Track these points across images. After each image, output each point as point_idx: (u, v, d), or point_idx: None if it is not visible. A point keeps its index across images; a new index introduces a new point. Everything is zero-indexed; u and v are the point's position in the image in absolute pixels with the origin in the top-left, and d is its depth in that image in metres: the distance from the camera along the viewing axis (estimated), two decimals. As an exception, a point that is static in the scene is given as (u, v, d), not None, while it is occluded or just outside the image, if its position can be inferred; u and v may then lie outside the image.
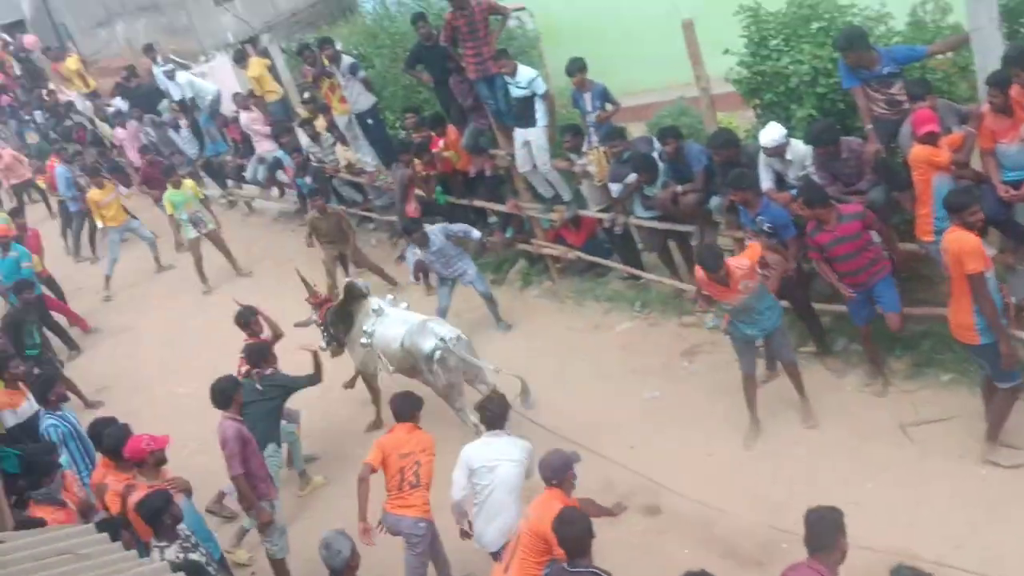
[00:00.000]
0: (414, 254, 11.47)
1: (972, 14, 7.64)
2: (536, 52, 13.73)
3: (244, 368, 9.41)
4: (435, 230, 11.12)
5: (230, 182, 18.07)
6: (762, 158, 8.76)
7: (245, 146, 16.72)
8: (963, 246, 6.67)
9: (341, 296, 10.23)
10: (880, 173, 8.22)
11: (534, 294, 12.33)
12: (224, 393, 7.97)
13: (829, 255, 7.99)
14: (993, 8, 7.52)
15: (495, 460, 6.89)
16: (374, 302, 9.99)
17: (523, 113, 11.11)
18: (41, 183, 19.07)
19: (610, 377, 10.07)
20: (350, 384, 10.60)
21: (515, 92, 10.99)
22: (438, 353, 9.12)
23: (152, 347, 13.90)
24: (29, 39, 27.47)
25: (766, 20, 8.92)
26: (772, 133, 8.47)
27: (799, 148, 8.57)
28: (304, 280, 10.65)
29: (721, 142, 9.03)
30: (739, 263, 7.87)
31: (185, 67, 18.53)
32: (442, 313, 11.15)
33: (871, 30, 8.52)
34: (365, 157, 14.16)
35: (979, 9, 7.53)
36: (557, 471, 6.31)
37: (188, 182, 15.32)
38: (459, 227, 11.34)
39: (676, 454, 8.55)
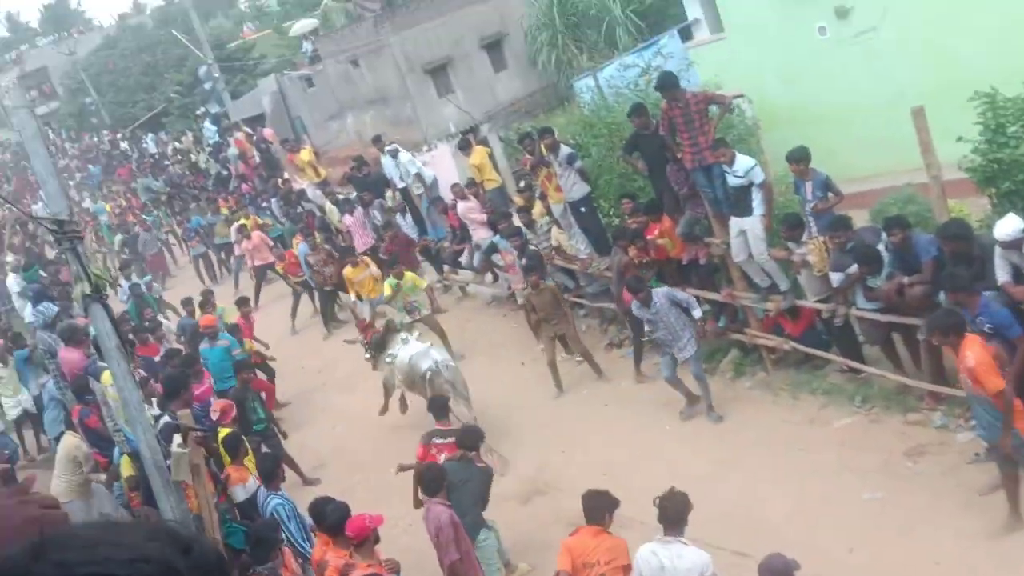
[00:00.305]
0: (637, 311, 11.54)
1: None
2: (755, 139, 13.61)
3: (444, 454, 9.61)
4: (660, 292, 11.25)
5: (446, 267, 18.63)
6: (998, 251, 8.33)
7: (462, 232, 17.25)
8: None
9: (382, 330, 13.74)
10: None
11: (747, 385, 12.01)
12: (435, 481, 8.24)
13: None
14: None
15: (659, 572, 6.63)
16: (403, 335, 13.18)
17: (740, 202, 10.96)
18: (280, 268, 20.15)
19: (827, 474, 9.66)
20: (383, 410, 13.48)
21: (732, 181, 10.88)
22: (429, 373, 12.07)
23: (367, 427, 14.28)
24: (267, 132, 29.66)
25: (1003, 106, 8.57)
26: (1009, 225, 8.08)
27: (1040, 240, 8.09)
28: (353, 311, 15.19)
29: (951, 234, 8.64)
30: (970, 355, 7.42)
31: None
32: (669, 381, 11.42)
33: (1121, 115, 8.03)
34: (578, 244, 14.30)
35: None
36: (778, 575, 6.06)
37: (410, 275, 15.65)
38: (684, 296, 11.36)
39: (899, 560, 8.07)
